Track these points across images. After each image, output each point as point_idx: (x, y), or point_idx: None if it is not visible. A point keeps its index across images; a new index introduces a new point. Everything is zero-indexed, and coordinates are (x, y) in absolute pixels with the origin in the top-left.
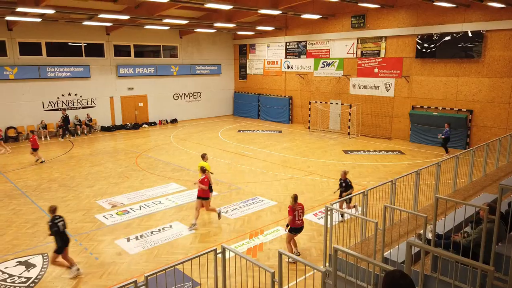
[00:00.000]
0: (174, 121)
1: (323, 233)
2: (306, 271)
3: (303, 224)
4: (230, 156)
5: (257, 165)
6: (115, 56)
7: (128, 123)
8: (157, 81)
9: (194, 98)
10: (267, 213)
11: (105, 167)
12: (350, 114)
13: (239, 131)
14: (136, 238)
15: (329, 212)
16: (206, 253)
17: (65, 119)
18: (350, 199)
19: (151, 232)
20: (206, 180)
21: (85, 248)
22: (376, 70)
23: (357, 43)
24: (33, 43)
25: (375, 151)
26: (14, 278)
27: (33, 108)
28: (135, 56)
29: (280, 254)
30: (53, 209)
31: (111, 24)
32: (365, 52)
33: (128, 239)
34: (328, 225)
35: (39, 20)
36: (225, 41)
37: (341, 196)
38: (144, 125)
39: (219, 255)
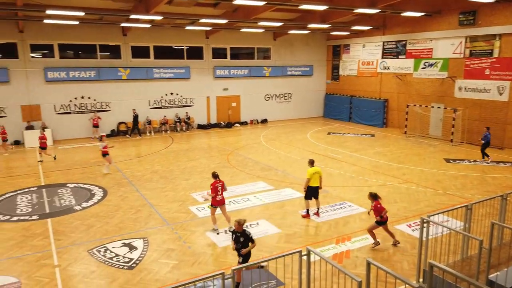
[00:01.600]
0: (264, 121)
1: (418, 247)
2: (397, 284)
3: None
4: (318, 158)
5: (347, 169)
6: (212, 58)
7: (221, 122)
8: (250, 82)
9: (284, 99)
10: (356, 219)
11: (200, 162)
12: (454, 119)
13: (329, 133)
14: (225, 232)
15: (425, 225)
16: (291, 253)
17: (135, 118)
18: None
19: None
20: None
21: (179, 237)
22: (487, 72)
23: (466, 41)
24: (143, 47)
25: (482, 161)
26: (119, 258)
27: (140, 106)
28: (230, 58)
29: (369, 264)
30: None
31: (210, 28)
32: (474, 51)
33: (218, 232)
34: (424, 238)
35: (148, 26)
36: (318, 42)
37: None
38: (236, 124)
39: (304, 257)
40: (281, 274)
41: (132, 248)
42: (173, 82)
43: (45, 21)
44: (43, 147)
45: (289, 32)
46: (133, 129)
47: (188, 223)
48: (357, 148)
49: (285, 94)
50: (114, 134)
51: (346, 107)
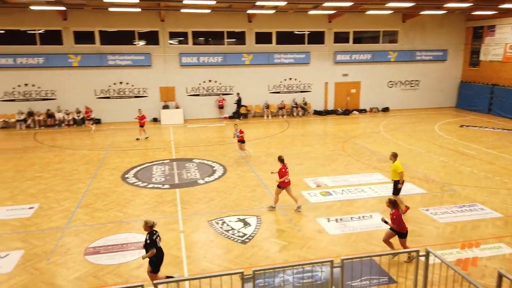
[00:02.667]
0: (385, 109)
1: None
2: None
3: None
4: (447, 153)
5: (481, 167)
6: (334, 43)
7: (338, 109)
8: (372, 67)
9: (410, 86)
10: (488, 225)
11: (314, 148)
12: None
13: (461, 126)
14: (336, 220)
15: None
16: (407, 252)
17: (238, 102)
18: None
19: (351, 218)
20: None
21: (290, 219)
22: None
23: None
24: (266, 33)
25: None
26: (234, 231)
27: (260, 90)
28: (353, 43)
29: (500, 276)
30: (150, 225)
31: (334, 12)
32: None
33: (328, 220)
34: None
35: (273, 11)
36: (455, 23)
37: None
38: (354, 112)
39: (422, 258)
40: (394, 272)
41: (246, 224)
42: (293, 67)
43: (182, 10)
44: (141, 125)
45: (421, 13)
46: (236, 112)
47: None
48: (496, 144)
49: (411, 81)
50: (235, 116)
51: (485, 97)
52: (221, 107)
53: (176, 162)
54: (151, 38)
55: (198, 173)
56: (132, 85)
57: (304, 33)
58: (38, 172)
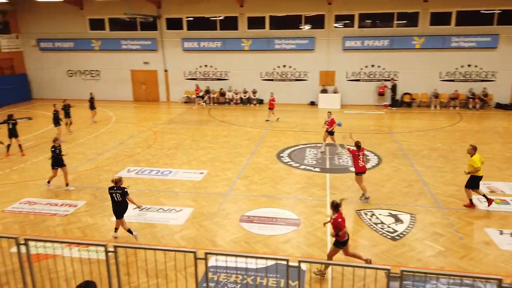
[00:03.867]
0: None
1: None
2: None
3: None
4: None
5: None
6: None
7: None
8: None
9: None
10: None
11: (491, 147)
12: None
13: None
14: (511, 234)
15: None
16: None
17: (393, 87)
18: None
19: None
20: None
21: (451, 224)
22: None
23: None
24: (442, 13)
25: None
26: (383, 226)
27: (428, 78)
28: None
29: None
30: (112, 180)
31: None
32: None
33: (501, 232)
34: None
35: None
36: None
37: None
38: None
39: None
40: None
41: (398, 220)
42: (475, 52)
43: None
44: (271, 108)
45: None
46: (392, 100)
47: (465, 212)
48: None
49: None
50: (397, 104)
51: None
52: (381, 94)
53: (329, 147)
54: (317, 22)
55: (350, 161)
56: (294, 69)
57: (492, 12)
58: (209, 143)
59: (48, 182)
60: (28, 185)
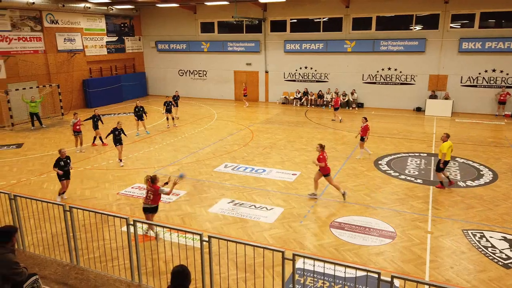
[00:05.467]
0: None
1: None
2: None
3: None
4: None
5: None
6: None
7: None
8: None
9: None
10: None
11: None
12: None
13: None
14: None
15: None
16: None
17: None
18: None
19: None
20: (321, 157)
21: None
22: None
23: None
24: None
25: None
26: (495, 250)
27: None
28: None
29: None
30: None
31: None
32: None
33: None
34: None
35: None
36: None
37: None
38: None
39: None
40: None
41: None
42: None
43: None
44: (336, 107)
45: None
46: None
47: None
48: None
49: None
50: None
51: None
52: (502, 102)
53: (434, 157)
54: (429, 22)
55: (459, 174)
56: (400, 72)
57: None
58: (303, 145)
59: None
60: (139, 172)
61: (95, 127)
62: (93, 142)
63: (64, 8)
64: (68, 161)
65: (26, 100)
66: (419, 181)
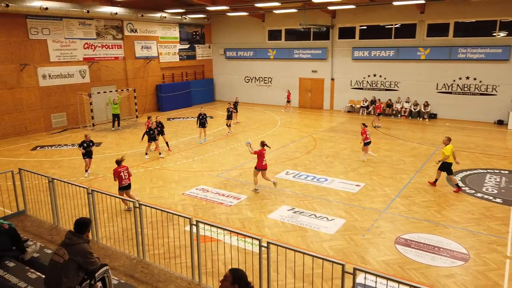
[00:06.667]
0: None
1: None
2: None
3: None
4: None
5: None
6: None
7: None
8: None
9: None
10: None
11: None
12: None
13: None
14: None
15: None
16: None
17: None
18: None
19: None
20: (257, 151)
21: None
22: None
23: None
24: None
25: None
26: None
27: None
28: None
29: None
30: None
31: None
32: None
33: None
34: None
35: None
36: None
37: None
38: None
39: None
40: None
41: None
42: None
43: None
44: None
45: None
46: None
47: None
48: None
49: None
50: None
51: None
52: None
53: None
54: None
55: None
56: (480, 81)
57: None
58: (369, 155)
59: (160, 153)
60: (204, 174)
61: (160, 133)
62: (168, 147)
63: (143, 18)
64: (91, 144)
65: (111, 102)
66: (498, 200)
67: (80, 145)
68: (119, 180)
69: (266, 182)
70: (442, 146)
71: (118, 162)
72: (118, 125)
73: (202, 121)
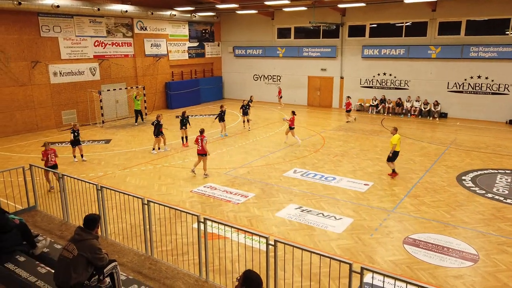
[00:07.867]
0: None
1: None
2: None
3: None
4: None
5: None
6: None
7: None
8: None
9: None
10: None
11: None
12: None
13: None
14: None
15: None
16: None
17: None
18: None
19: None
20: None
21: None
22: None
23: None
24: None
25: None
26: None
27: None
28: None
29: None
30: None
31: None
32: None
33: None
34: None
35: None
36: None
37: None
38: None
39: None
40: None
41: None
42: None
43: None
44: (347, 110)
45: None
46: None
47: None
48: None
49: None
50: None
51: None
52: None
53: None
54: None
55: None
56: (492, 80)
57: None
58: (378, 154)
59: (153, 149)
60: (212, 172)
61: (182, 127)
62: (183, 142)
63: (152, 16)
64: (77, 132)
65: (133, 98)
66: (509, 201)
67: (72, 132)
68: (46, 161)
69: (274, 180)
70: (452, 146)
71: (46, 145)
72: (142, 119)
73: (221, 116)
